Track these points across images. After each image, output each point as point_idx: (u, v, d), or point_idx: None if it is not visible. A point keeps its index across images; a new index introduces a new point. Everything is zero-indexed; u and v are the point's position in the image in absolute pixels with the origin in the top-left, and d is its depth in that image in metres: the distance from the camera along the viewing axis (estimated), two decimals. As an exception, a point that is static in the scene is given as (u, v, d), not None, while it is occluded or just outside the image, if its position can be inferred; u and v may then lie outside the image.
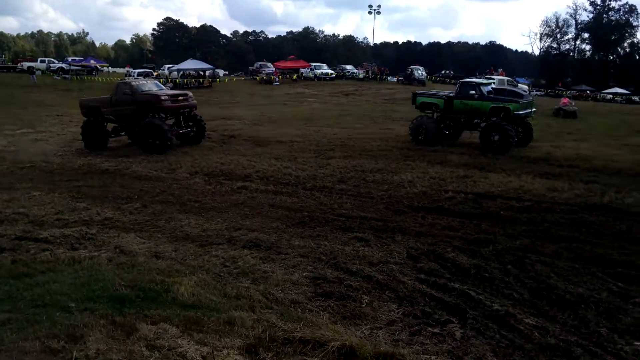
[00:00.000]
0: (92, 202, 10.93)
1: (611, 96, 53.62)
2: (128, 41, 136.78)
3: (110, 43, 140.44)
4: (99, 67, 61.29)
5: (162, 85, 20.00)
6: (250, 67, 65.95)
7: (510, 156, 16.54)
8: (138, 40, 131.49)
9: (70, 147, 18.54)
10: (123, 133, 18.67)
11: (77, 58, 73.38)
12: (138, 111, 17.36)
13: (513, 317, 5.73)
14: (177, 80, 45.73)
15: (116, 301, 5.76)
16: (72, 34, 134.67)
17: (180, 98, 18.00)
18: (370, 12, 65.50)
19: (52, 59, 65.52)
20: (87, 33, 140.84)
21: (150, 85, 18.59)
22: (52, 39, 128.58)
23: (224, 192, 11.88)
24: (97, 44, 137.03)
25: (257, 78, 53.11)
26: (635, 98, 53.80)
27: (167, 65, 62.65)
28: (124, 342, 4.69)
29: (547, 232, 8.97)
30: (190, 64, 53.51)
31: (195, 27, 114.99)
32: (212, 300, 5.88)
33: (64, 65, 57.78)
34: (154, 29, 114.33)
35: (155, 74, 52.08)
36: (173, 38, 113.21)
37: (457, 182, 12.92)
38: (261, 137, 20.56)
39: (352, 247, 8.13)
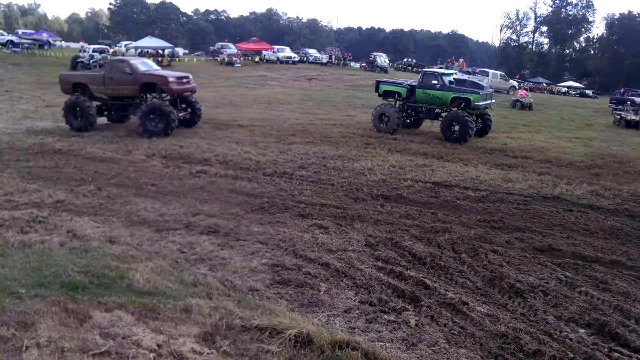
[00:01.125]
0: (44, 183, 10.56)
1: (566, 89, 55.36)
2: (83, 15, 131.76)
3: (64, 16, 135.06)
4: (51, 41, 58.74)
5: (154, 65, 19.00)
6: (211, 47, 64.70)
7: (467, 146, 16.91)
8: (93, 15, 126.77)
9: (21, 125, 17.79)
10: (106, 112, 17.91)
11: (28, 31, 69.99)
12: (139, 92, 16.72)
13: (466, 305, 5.90)
14: (135, 58, 44.43)
15: (69, 287, 5.63)
16: (23, 5, 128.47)
17: (184, 80, 17.28)
18: (334, -3, 65.20)
19: (1, 31, 62.44)
20: (39, 5, 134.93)
21: (147, 65, 17.68)
22: (1, 9, 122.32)
23: (182, 176, 11.69)
24: (50, 16, 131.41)
25: (218, 59, 52.18)
26: (589, 92, 55.72)
27: (124, 42, 60.79)
28: (76, 329, 4.60)
29: (500, 221, 9.25)
30: (148, 42, 51.98)
31: (154, 3, 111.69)
32: (168, 287, 5.82)
33: (14, 38, 54.98)
34: (110, 3, 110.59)
35: (111, 50, 50.40)
36: (131, 14, 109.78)
37: (416, 170, 13.12)
38: (221, 120, 20.30)
39: (311, 234, 8.17)
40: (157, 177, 11.44)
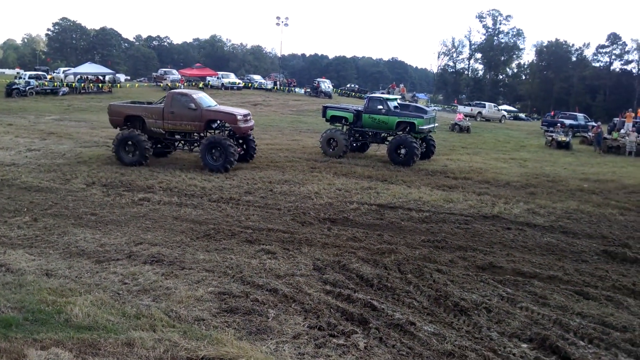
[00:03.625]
0: (-27, 215, 10.00)
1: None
2: (19, 41, 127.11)
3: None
4: (-16, 68, 56.41)
5: (211, 99, 17.71)
6: (154, 73, 63.78)
7: (410, 168, 17.33)
8: (30, 40, 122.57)
9: (-52, 154, 16.85)
10: (156, 146, 16.88)
11: (-43, 57, 67.03)
12: (204, 128, 16.04)
13: (413, 325, 5.98)
14: (74, 85, 43.20)
15: (1, 325, 5.36)
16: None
17: (248, 118, 16.60)
18: (278, 24, 66.17)
19: None
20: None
21: (204, 100, 16.70)
22: None
23: (123, 204, 11.35)
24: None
25: (161, 85, 51.44)
26: (522, 115, 58.63)
27: (63, 69, 59.05)
28: (8, 370, 4.34)
29: (443, 241, 9.48)
30: (88, 68, 50.68)
31: (94, 29, 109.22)
32: (109, 321, 5.60)
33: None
34: (48, 29, 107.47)
35: (49, 77, 48.74)
36: (70, 39, 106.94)
37: (362, 193, 13.30)
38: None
39: (259, 259, 8.10)
40: (97, 206, 11.06)
